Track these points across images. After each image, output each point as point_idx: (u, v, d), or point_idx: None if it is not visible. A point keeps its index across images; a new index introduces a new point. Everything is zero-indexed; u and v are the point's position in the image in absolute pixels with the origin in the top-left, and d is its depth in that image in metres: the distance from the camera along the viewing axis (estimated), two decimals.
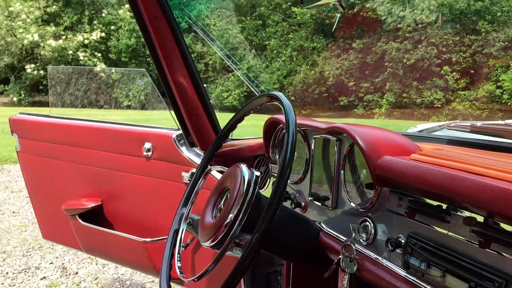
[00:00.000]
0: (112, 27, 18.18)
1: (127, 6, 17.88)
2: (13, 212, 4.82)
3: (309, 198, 1.38)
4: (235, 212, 1.02)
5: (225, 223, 1.02)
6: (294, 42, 17.18)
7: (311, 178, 1.38)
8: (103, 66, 17.49)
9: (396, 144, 1.07)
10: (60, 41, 17.12)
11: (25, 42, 16.77)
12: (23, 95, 17.42)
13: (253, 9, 18.28)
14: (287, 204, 1.46)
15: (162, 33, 1.70)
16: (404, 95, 14.79)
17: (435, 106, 14.23)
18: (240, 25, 18.14)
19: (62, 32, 17.52)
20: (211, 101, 1.93)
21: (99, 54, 17.89)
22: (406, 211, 0.97)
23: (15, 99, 17.39)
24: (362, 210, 1.11)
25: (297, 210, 1.43)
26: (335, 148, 1.24)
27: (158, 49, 1.75)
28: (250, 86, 2.41)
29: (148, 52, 1.87)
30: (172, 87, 1.82)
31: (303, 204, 1.42)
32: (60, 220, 2.38)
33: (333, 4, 0.88)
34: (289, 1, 17.44)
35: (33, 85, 17.92)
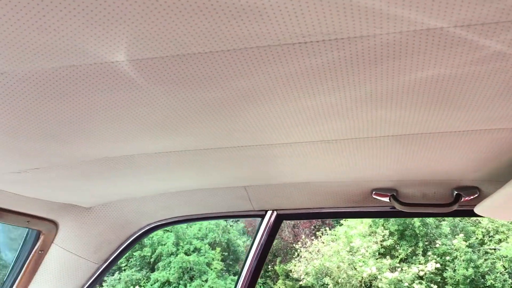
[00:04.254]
0: (447, 258, 17.79)
1: (461, 235, 17.54)
2: None
3: None
4: None
5: None
6: None
7: None
8: None
9: None
10: (396, 273, 17.58)
11: (364, 275, 17.88)
12: None
13: None
14: None
15: None
16: None
17: None
18: None
19: (398, 264, 18.09)
20: None
21: (435, 286, 17.36)
22: None
23: None
24: None
25: None
26: None
27: None
28: None
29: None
30: None
31: None
32: None
33: None
34: None
35: None
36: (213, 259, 23.07)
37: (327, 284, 19.33)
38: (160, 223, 2.48)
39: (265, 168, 1.87)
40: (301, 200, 2.24)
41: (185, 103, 1.25)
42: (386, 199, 2.16)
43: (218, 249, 22.91)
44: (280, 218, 2.35)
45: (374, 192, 2.16)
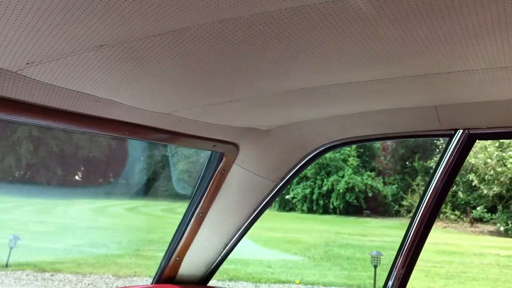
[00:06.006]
0: None
1: None
2: None
3: None
4: None
5: None
6: None
7: None
8: None
9: None
10: None
11: None
12: (510, 225, 17.11)
13: None
14: None
15: None
16: None
17: None
18: None
19: None
20: None
21: None
22: None
23: (501, 228, 17.26)
24: None
25: None
26: None
27: None
28: None
29: None
30: None
31: None
32: None
33: None
34: None
35: None
36: (349, 156, 23.31)
37: (471, 181, 18.50)
38: (337, 143, 2.42)
39: (464, 88, 1.65)
40: (501, 117, 1.99)
41: (416, 35, 1.08)
42: None
43: (354, 146, 22.98)
44: (472, 138, 2.13)
45: None
